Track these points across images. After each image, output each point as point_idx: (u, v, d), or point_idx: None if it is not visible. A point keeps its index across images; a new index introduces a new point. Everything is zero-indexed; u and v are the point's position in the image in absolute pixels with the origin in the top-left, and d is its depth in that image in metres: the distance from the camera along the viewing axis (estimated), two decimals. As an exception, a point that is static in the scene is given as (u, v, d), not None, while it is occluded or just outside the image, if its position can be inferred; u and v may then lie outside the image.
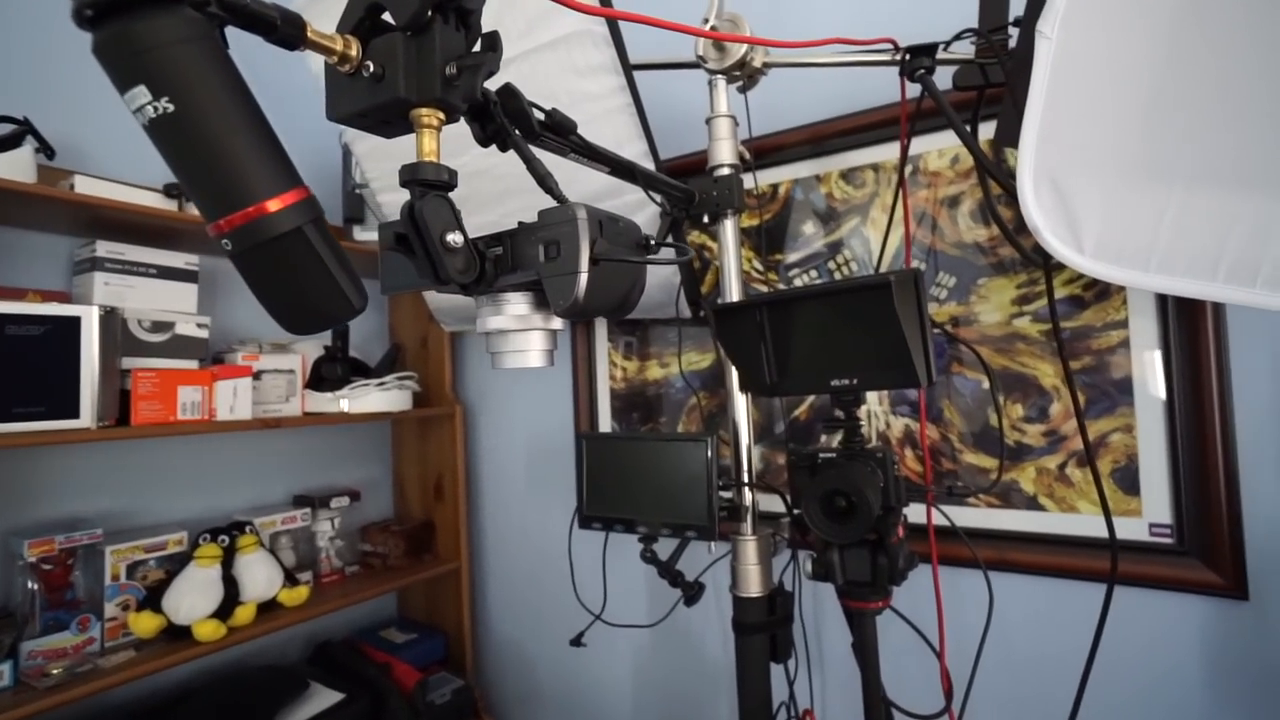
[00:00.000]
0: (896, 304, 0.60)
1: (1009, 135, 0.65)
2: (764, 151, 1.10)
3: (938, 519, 0.85)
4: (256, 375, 1.17)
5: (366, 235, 1.38)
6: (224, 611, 1.06)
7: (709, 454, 0.77)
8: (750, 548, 0.80)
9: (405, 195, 1.15)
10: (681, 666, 1.23)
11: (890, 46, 0.77)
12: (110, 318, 0.97)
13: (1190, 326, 0.83)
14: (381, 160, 1.17)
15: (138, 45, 0.26)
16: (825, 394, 0.80)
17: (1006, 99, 0.67)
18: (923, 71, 0.72)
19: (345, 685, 1.19)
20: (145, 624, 1.00)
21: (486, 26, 0.42)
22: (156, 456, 1.20)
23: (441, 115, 0.36)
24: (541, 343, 0.41)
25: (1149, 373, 0.86)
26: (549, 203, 0.44)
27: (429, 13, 0.34)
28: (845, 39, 0.76)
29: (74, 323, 0.92)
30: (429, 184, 0.36)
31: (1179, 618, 0.85)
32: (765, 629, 0.81)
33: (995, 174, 0.67)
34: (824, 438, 1.05)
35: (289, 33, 0.32)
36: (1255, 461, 0.80)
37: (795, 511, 0.79)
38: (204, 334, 1.13)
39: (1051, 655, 0.92)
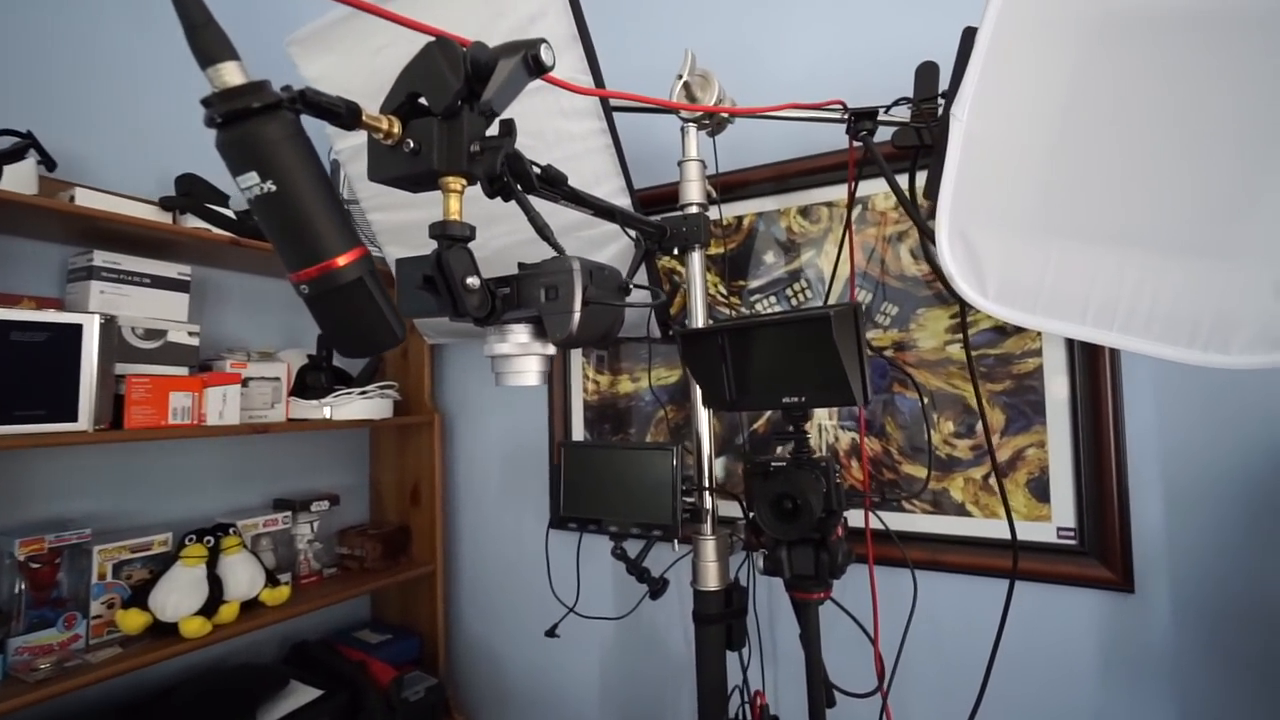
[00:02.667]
0: (835, 335, 0.71)
1: (934, 192, 0.76)
2: (730, 186, 1.21)
3: (875, 523, 0.96)
4: (244, 382, 1.22)
5: (352, 249, 1.44)
6: (209, 609, 1.10)
7: (674, 462, 0.86)
8: (710, 546, 0.90)
9: (393, 215, 1.22)
10: (645, 660, 1.31)
11: (840, 107, 0.88)
12: (109, 325, 1.01)
13: (1091, 356, 0.97)
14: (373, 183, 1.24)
15: (251, 143, 0.34)
16: (778, 409, 0.90)
17: (934, 158, 0.78)
18: (865, 133, 0.83)
19: (322, 682, 1.24)
20: (132, 621, 1.04)
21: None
22: (141, 460, 1.24)
23: (464, 182, 0.45)
24: (538, 365, 0.50)
25: (1057, 395, 0.99)
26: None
27: (459, 103, 0.43)
28: (799, 104, 0.87)
29: (76, 330, 0.97)
30: (454, 238, 0.44)
31: (1079, 610, 0.97)
32: (722, 619, 0.90)
33: (919, 223, 0.78)
34: (778, 449, 1.16)
35: (349, 118, 0.40)
36: (1141, 472, 0.94)
37: (750, 514, 0.89)
38: (195, 342, 1.18)
39: (975, 645, 1.04)
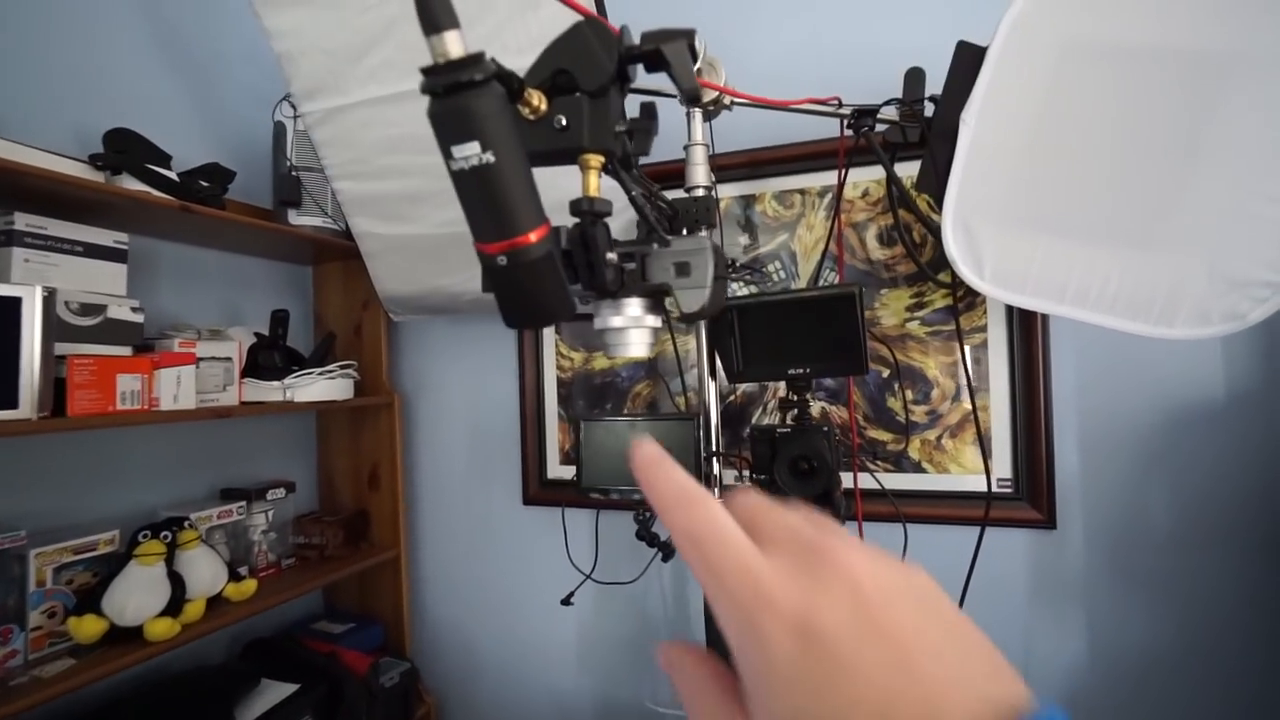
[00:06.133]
0: (859, 309, 0.79)
1: (927, 186, 0.86)
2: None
3: (869, 482, 1.07)
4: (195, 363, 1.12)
5: (302, 220, 1.34)
6: (173, 609, 1.01)
7: (696, 432, 0.91)
8: (721, 509, 0.96)
9: (362, 185, 1.16)
10: (620, 626, 1.36)
11: (838, 103, 0.96)
12: (50, 299, 0.89)
13: (1027, 333, 1.13)
14: (343, 149, 1.17)
15: (476, 114, 0.34)
16: (782, 380, 0.98)
17: (926, 156, 0.88)
18: (866, 129, 0.92)
19: (294, 677, 1.18)
20: (88, 628, 0.94)
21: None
22: (83, 452, 1.10)
23: (603, 159, 0.47)
24: (648, 337, 0.53)
25: (999, 366, 1.15)
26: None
27: (609, 83, 0.44)
28: (813, 99, 0.94)
29: (14, 304, 0.84)
30: (597, 214, 0.46)
31: (1012, 546, 1.15)
32: (731, 576, 0.97)
33: (919, 215, 0.88)
34: (776, 415, 1.25)
35: (518, 91, 0.41)
36: (1062, 429, 1.12)
37: (758, 477, 0.96)
38: (139, 318, 1.06)
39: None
